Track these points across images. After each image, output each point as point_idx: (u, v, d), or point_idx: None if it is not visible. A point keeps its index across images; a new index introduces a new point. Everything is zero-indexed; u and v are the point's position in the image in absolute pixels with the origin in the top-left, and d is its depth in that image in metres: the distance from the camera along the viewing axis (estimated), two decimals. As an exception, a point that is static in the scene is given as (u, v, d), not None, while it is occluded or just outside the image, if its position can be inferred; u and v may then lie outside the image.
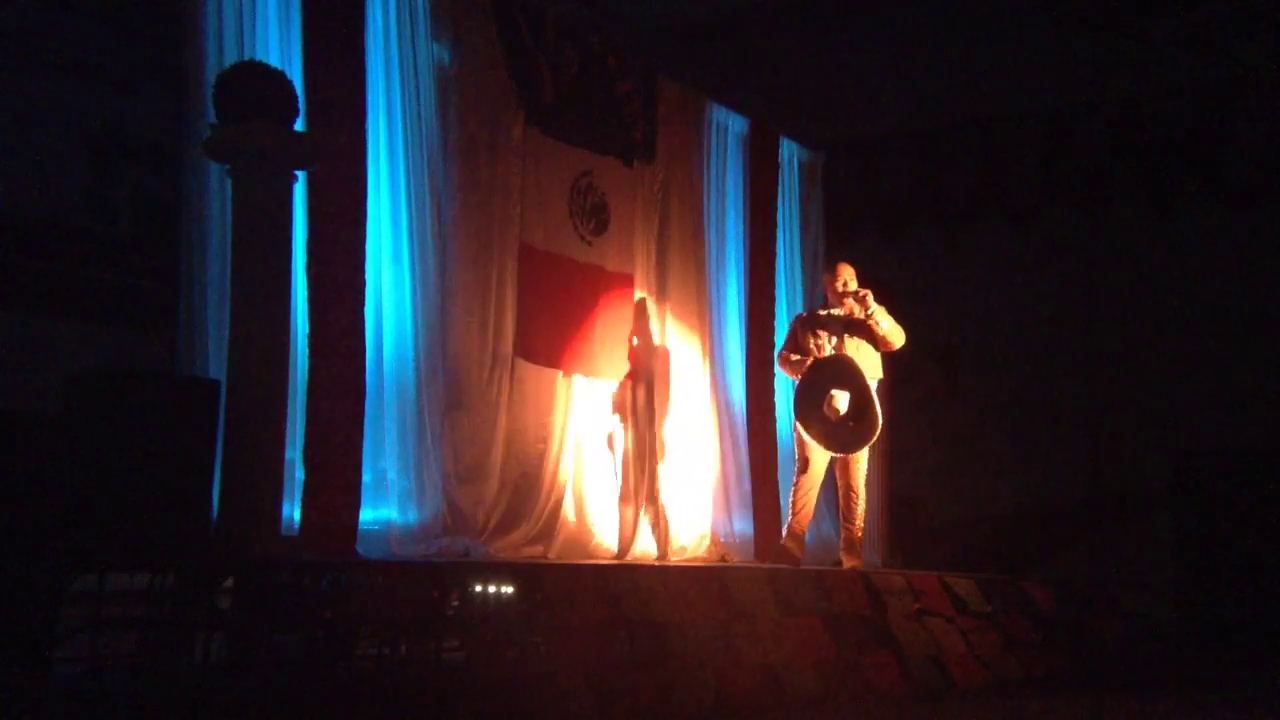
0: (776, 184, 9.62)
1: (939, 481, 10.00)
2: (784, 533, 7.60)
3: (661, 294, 8.39)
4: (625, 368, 7.95)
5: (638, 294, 8.08)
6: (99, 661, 4.56)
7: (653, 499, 7.51)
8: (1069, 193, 9.77)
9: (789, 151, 9.89)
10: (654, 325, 8.05)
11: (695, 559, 7.94)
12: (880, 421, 7.16)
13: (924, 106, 9.73)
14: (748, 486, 8.90)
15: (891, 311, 8.89)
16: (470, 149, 7.09)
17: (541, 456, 7.50)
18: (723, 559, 8.06)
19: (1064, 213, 9.80)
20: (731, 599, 5.72)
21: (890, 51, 8.83)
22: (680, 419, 8.32)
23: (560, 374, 7.65)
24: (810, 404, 7.19)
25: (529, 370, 7.40)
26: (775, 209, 9.53)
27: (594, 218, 7.95)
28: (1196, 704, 6.75)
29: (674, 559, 7.54)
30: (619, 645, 5.17)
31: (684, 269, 8.59)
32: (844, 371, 7.18)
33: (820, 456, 7.31)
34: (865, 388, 7.11)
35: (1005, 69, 8.94)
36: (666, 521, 7.61)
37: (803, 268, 9.83)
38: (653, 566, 5.91)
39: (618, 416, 7.65)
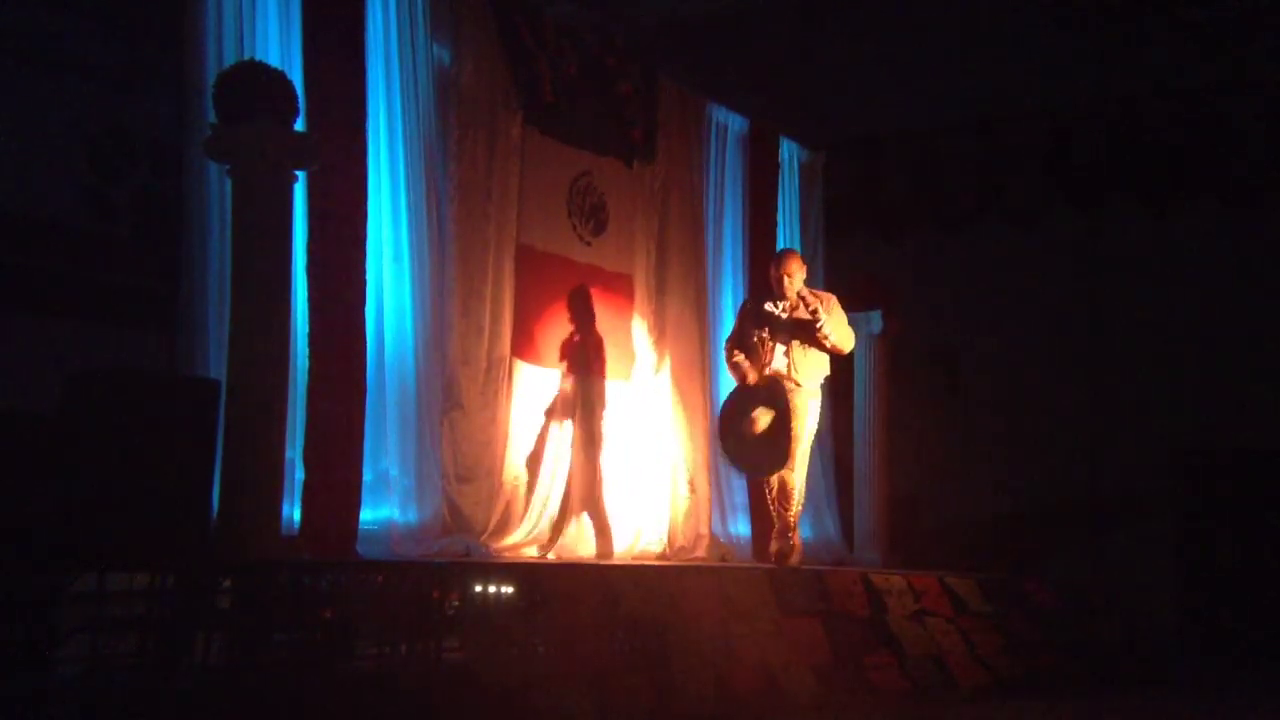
0: (776, 184, 9.62)
1: (939, 481, 10.00)
2: (775, 534, 7.14)
3: (661, 294, 8.39)
4: (626, 364, 7.96)
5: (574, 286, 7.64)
6: (99, 661, 4.56)
7: (595, 496, 7.30)
8: (1069, 193, 9.78)
9: (789, 151, 9.89)
10: (594, 314, 7.63)
11: (694, 559, 7.94)
12: (791, 456, 6.83)
13: (924, 106, 9.73)
14: (745, 489, 8.89)
15: (891, 310, 8.93)
16: (470, 149, 7.09)
17: (541, 456, 7.49)
18: (723, 559, 8.06)
19: (1064, 213, 9.81)
20: (731, 599, 5.71)
21: (890, 51, 8.83)
22: (671, 416, 8.32)
23: (559, 374, 7.65)
24: (733, 422, 6.98)
25: (528, 370, 7.40)
26: (775, 209, 9.53)
27: (593, 218, 7.95)
28: (1196, 704, 6.75)
29: (621, 557, 7.36)
30: (619, 645, 5.18)
31: (683, 269, 8.59)
32: (774, 396, 6.90)
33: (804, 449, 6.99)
34: (788, 414, 6.80)
35: (1005, 69, 8.95)
36: (605, 518, 7.38)
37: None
38: (653, 566, 5.91)
39: (556, 409, 7.38)
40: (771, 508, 7.10)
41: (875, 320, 8.88)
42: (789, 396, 6.82)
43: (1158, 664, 7.98)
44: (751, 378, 6.88)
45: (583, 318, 7.55)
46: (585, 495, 7.33)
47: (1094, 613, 8.24)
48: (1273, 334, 9.00)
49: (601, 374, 7.51)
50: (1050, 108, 9.73)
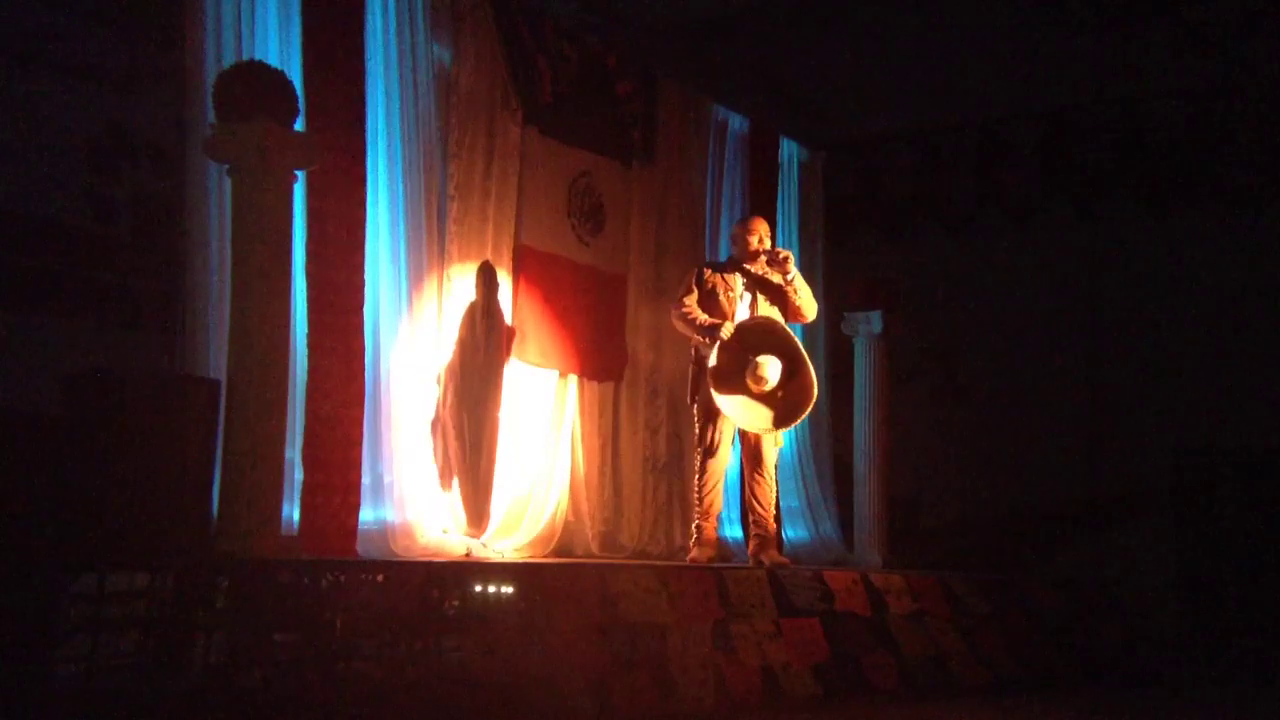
0: (776, 184, 9.61)
1: (939, 481, 10.00)
2: (693, 540, 6.85)
3: (659, 294, 8.38)
4: (621, 364, 7.96)
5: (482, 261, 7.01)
6: (99, 661, 4.56)
7: (479, 477, 6.72)
8: (1069, 193, 9.78)
9: (789, 151, 9.89)
10: (499, 294, 6.98)
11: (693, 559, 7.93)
12: (815, 385, 6.43)
13: (924, 106, 9.73)
14: (739, 491, 8.86)
15: (891, 310, 8.93)
16: (469, 149, 7.09)
17: (541, 457, 7.50)
18: (710, 560, 8.03)
19: (1064, 213, 9.80)
20: (731, 599, 5.71)
21: (890, 51, 8.82)
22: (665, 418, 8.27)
23: (557, 374, 7.65)
24: (729, 377, 6.46)
25: (527, 371, 7.40)
26: (775, 209, 9.52)
27: (591, 218, 7.94)
28: (1196, 704, 6.75)
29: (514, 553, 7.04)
30: (619, 645, 5.17)
31: (682, 269, 8.56)
32: (769, 334, 6.49)
33: (729, 441, 6.71)
34: (796, 348, 6.43)
35: (1005, 69, 8.94)
36: (480, 503, 6.76)
37: (802, 268, 9.78)
38: (653, 566, 5.89)
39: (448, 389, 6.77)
40: (753, 514, 6.85)
41: (875, 320, 8.87)
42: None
43: (1158, 664, 7.98)
44: (728, 329, 6.51)
45: (488, 297, 6.89)
46: (465, 476, 6.74)
47: (1094, 613, 8.24)
48: (1273, 334, 9.00)
49: (499, 354, 6.87)
50: (1050, 108, 9.72)
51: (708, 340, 6.60)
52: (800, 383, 6.51)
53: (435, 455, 6.72)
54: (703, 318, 6.66)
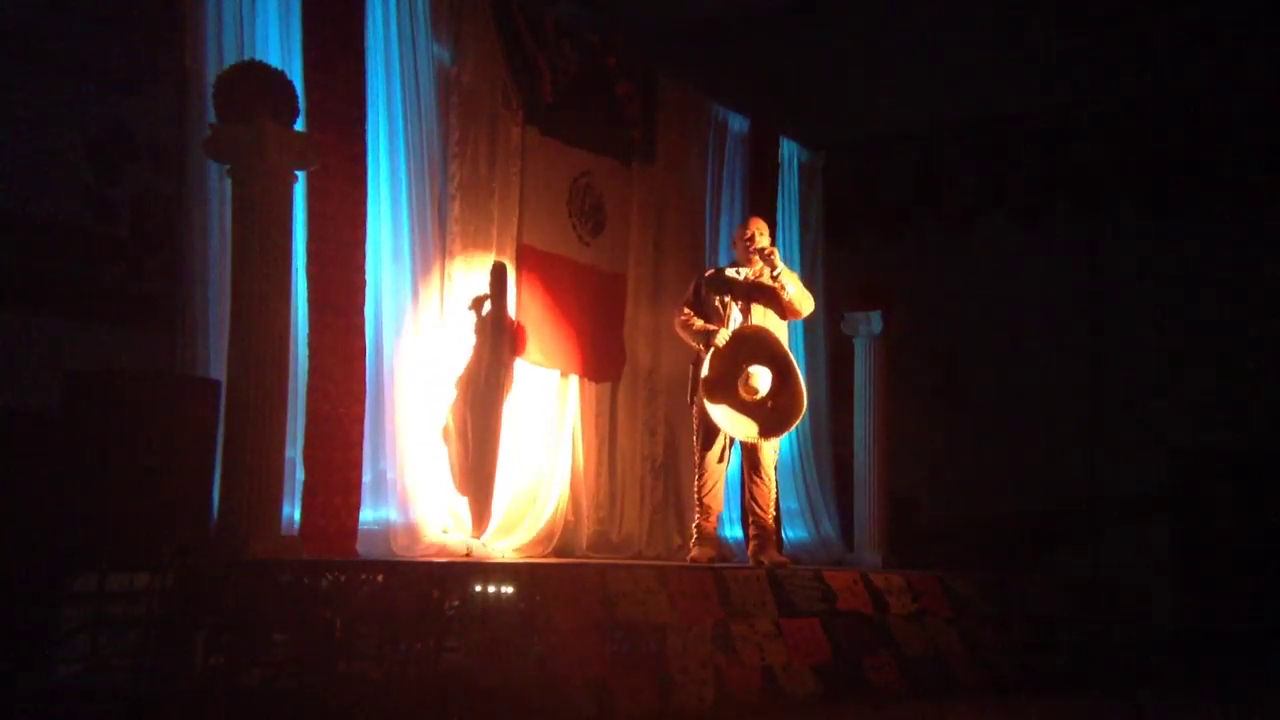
0: (776, 184, 9.62)
1: (939, 481, 10.00)
2: (693, 539, 6.89)
3: (658, 294, 8.39)
4: (619, 364, 7.96)
5: (495, 260, 7.17)
6: (99, 661, 4.56)
7: (480, 479, 6.86)
8: (1069, 193, 9.78)
9: (789, 151, 9.89)
10: (509, 295, 7.22)
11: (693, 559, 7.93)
12: (805, 398, 6.52)
13: (924, 106, 9.73)
14: (739, 490, 8.86)
15: (891, 310, 8.93)
16: (470, 149, 7.09)
17: (542, 457, 7.50)
18: (710, 560, 8.04)
19: (1064, 213, 9.81)
20: (731, 599, 5.71)
21: (890, 51, 8.84)
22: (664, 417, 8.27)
23: (558, 374, 7.65)
24: (722, 384, 6.53)
25: (528, 370, 7.40)
26: (775, 209, 9.53)
27: (592, 218, 7.95)
28: (1196, 704, 6.75)
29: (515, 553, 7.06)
30: (619, 645, 5.17)
31: (682, 269, 8.58)
32: (761, 344, 6.56)
33: (728, 442, 6.71)
34: (787, 359, 6.53)
35: (1005, 69, 8.95)
36: (485, 504, 6.91)
37: (802, 268, 9.82)
38: (653, 566, 5.89)
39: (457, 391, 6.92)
40: (752, 514, 6.87)
41: (875, 320, 8.88)
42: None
43: (1158, 664, 7.98)
44: (723, 336, 6.59)
45: (498, 298, 7.09)
46: (469, 476, 6.90)
47: (1094, 613, 8.23)
48: (1272, 334, 9.01)
49: (510, 355, 7.07)
50: (1050, 108, 9.73)
51: (703, 346, 6.69)
52: (790, 393, 6.58)
53: (450, 461, 6.79)
54: (699, 323, 6.74)
